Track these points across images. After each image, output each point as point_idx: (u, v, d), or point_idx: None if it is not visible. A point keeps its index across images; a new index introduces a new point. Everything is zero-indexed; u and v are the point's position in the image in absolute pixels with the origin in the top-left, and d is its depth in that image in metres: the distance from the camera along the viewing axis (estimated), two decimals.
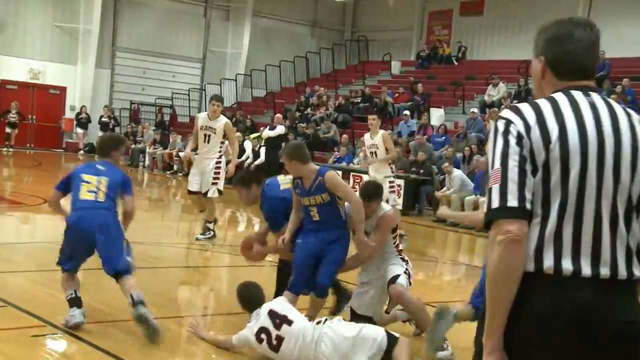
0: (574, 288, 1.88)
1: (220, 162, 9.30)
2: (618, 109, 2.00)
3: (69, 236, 5.24)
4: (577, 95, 1.99)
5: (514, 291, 1.88)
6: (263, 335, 4.56)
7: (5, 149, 23.45)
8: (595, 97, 2.00)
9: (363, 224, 5.04)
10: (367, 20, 29.57)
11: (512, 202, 1.87)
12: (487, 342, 1.93)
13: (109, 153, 5.59)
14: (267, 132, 17.35)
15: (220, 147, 9.39)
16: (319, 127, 20.98)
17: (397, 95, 22.18)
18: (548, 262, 1.89)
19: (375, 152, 10.24)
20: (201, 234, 9.38)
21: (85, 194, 5.28)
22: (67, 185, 5.45)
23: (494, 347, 1.91)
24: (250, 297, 4.79)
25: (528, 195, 1.88)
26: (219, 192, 9.34)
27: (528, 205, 1.89)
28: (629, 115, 2.01)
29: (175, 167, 21.18)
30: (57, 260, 5.31)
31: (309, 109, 23.22)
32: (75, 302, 5.14)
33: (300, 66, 28.21)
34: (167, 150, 22.14)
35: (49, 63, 25.27)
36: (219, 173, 9.28)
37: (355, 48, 28.95)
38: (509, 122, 1.94)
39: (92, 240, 5.14)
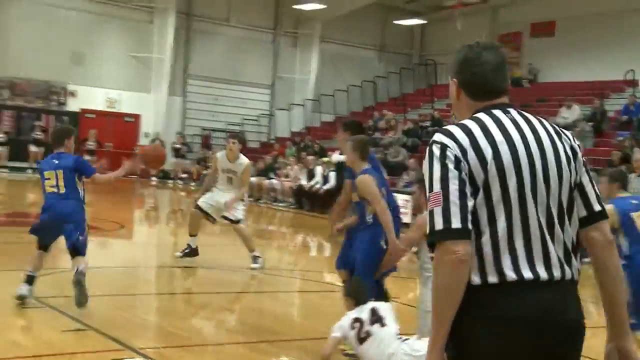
0: (534, 291, 2.04)
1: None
2: (535, 122, 2.18)
3: (41, 223, 6.29)
4: (499, 113, 2.16)
5: (457, 306, 2.03)
6: (356, 324, 4.67)
7: None
8: (514, 113, 2.18)
9: (391, 228, 5.20)
10: (435, 43, 29.47)
11: (456, 224, 2.01)
12: (431, 354, 2.06)
13: (62, 142, 6.36)
14: (336, 157, 17.45)
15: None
16: (387, 151, 20.90)
17: None
18: (509, 271, 2.04)
19: None
20: (254, 263, 9.01)
21: (48, 189, 6.23)
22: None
23: (438, 357, 2.06)
24: (357, 292, 4.85)
25: (469, 217, 2.02)
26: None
27: (470, 226, 2.02)
28: (544, 125, 2.19)
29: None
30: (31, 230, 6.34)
31: (377, 133, 23.22)
32: (30, 279, 6.24)
33: (368, 91, 28.29)
34: None
35: (125, 92, 26.12)
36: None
37: (423, 72, 28.86)
38: (444, 146, 2.08)
39: (61, 227, 6.13)
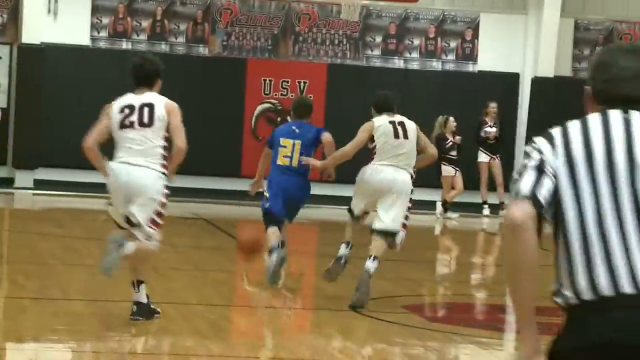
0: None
1: None
2: None
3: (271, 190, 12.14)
4: (616, 113, 3.67)
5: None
6: None
7: None
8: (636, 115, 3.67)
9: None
10: None
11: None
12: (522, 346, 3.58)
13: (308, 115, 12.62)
14: None
15: None
16: None
17: None
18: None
19: None
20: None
21: (281, 159, 12.01)
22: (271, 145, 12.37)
23: (530, 351, 3.50)
24: None
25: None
26: None
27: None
28: None
29: None
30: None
31: None
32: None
33: None
34: None
35: None
36: None
37: None
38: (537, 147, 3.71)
39: (289, 197, 12.01)
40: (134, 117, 9.50)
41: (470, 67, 25.15)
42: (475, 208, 23.67)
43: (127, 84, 25.09)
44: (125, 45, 23.80)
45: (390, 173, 10.75)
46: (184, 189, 22.53)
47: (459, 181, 22.88)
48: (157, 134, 9.52)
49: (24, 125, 22.65)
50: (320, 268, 15.45)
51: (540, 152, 3.62)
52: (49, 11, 22.74)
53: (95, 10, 23.39)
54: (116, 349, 9.30)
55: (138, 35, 23.79)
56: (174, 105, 9.60)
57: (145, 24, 23.53)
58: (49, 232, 16.43)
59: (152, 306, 9.52)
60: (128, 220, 9.41)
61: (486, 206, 23.84)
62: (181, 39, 24.36)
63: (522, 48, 25.20)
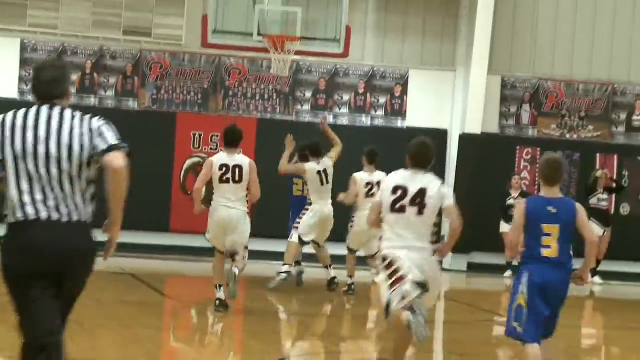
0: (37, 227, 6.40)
1: None
2: (58, 115, 6.47)
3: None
4: (42, 108, 6.49)
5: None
6: None
7: None
8: (56, 109, 6.48)
9: None
10: None
11: None
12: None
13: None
14: None
15: None
16: None
17: None
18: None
19: None
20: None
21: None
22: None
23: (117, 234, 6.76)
24: None
25: None
26: None
27: None
28: (68, 117, 6.51)
29: None
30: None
31: None
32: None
33: None
34: None
35: None
36: None
37: None
38: None
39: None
40: (229, 175, 14.10)
41: (399, 123, 24.96)
42: None
43: None
44: None
45: None
46: None
47: None
48: (244, 187, 14.23)
49: None
50: (249, 325, 15.35)
51: None
52: None
53: (24, 63, 23.04)
54: None
55: None
56: (254, 164, 14.35)
57: (75, 77, 23.01)
58: None
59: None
60: (231, 254, 14.10)
61: None
62: (110, 93, 23.91)
63: (451, 104, 25.12)
